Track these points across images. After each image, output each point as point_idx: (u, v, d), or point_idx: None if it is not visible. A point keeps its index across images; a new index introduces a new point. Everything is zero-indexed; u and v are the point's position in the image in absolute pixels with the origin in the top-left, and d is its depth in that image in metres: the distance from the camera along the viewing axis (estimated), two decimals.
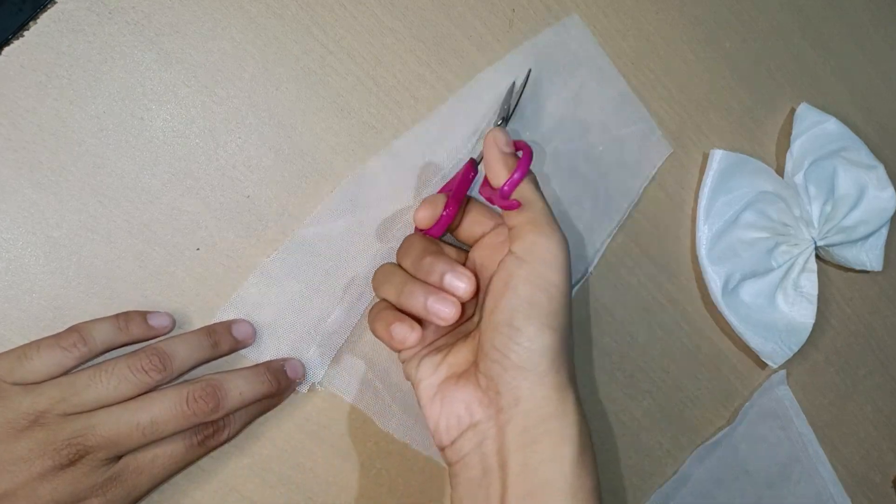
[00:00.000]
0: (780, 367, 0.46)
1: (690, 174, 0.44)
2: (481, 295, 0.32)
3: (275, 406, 0.33)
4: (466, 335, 0.32)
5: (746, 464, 0.46)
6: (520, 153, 0.31)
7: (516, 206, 0.30)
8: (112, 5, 0.31)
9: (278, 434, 0.34)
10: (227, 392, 0.30)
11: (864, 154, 0.47)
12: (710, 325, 0.45)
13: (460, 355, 0.31)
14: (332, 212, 0.34)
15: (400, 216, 0.36)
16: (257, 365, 0.32)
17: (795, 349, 0.45)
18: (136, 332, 0.30)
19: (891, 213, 0.46)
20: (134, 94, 0.31)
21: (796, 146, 0.46)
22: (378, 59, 0.35)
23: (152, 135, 0.32)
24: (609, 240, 0.41)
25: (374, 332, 0.31)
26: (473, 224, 0.34)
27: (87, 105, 0.31)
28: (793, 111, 0.48)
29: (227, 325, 0.32)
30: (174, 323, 0.32)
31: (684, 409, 0.44)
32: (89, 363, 0.29)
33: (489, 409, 0.28)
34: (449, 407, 0.29)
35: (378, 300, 0.33)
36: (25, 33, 0.30)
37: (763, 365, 0.46)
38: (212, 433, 0.30)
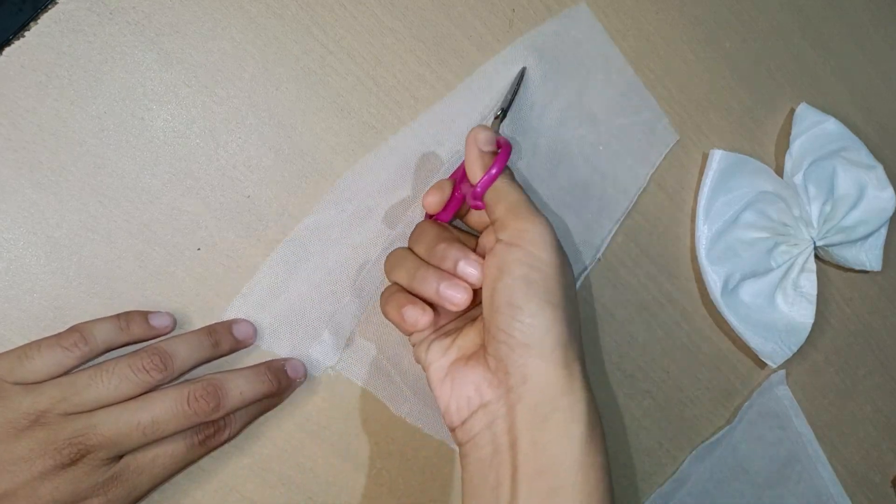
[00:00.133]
0: (780, 367, 0.46)
1: (690, 174, 0.44)
2: None
3: (275, 406, 0.33)
4: (474, 319, 0.32)
5: (746, 463, 0.46)
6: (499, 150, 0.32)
7: (481, 207, 0.31)
8: (112, 5, 0.31)
9: (278, 434, 0.34)
10: (228, 392, 0.30)
11: (863, 154, 0.47)
12: (709, 325, 0.45)
13: (469, 338, 0.31)
14: (340, 199, 0.35)
15: (409, 202, 0.36)
16: (258, 364, 0.32)
17: (795, 349, 0.45)
18: (136, 332, 0.30)
19: (890, 214, 0.46)
20: (134, 95, 0.31)
21: (796, 146, 0.46)
22: (378, 59, 0.35)
23: (153, 135, 0.32)
24: (617, 226, 0.41)
25: (385, 314, 0.32)
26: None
27: (87, 105, 0.31)
28: (792, 111, 0.48)
29: (228, 325, 0.32)
30: (175, 323, 0.32)
31: (684, 409, 0.44)
32: (90, 363, 0.29)
33: (498, 389, 0.29)
34: (459, 388, 0.30)
35: (390, 284, 0.33)
36: (26, 33, 0.30)
37: (762, 365, 0.46)
38: (213, 433, 0.30)
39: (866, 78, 0.51)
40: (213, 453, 0.32)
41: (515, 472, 0.27)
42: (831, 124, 0.47)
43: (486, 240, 0.34)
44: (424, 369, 0.32)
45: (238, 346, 0.32)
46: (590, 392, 0.29)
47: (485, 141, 0.32)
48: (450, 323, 0.33)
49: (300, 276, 0.34)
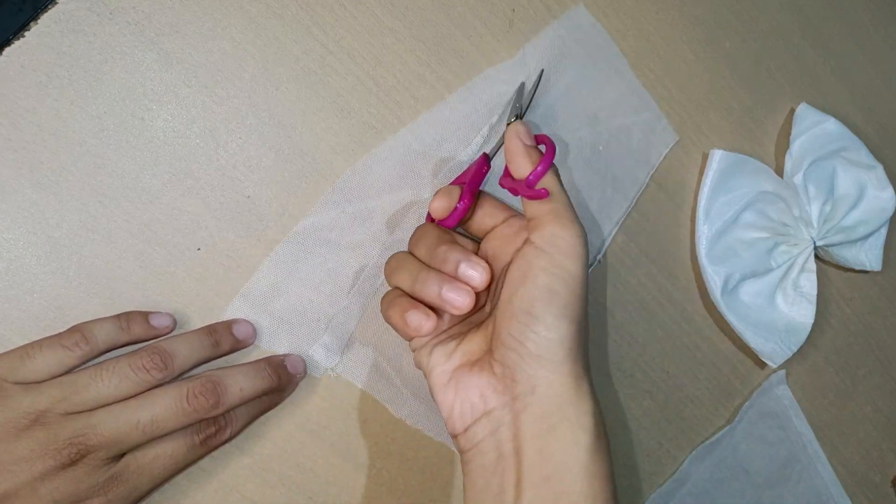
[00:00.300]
0: (780, 367, 0.47)
1: (690, 174, 0.44)
2: (494, 284, 0.32)
3: (276, 405, 0.33)
4: (479, 324, 0.32)
5: (746, 463, 0.46)
6: (541, 146, 0.32)
7: (544, 194, 0.30)
8: (112, 6, 0.31)
9: (278, 434, 0.34)
10: (227, 388, 0.30)
11: (863, 154, 0.47)
12: (709, 325, 0.45)
13: (474, 344, 0.31)
14: (340, 199, 0.35)
15: (410, 206, 0.36)
16: (257, 360, 0.32)
17: (795, 349, 0.45)
18: (137, 332, 0.30)
19: (890, 213, 0.46)
20: (134, 95, 0.31)
21: (796, 146, 0.46)
22: (378, 59, 0.35)
23: (153, 135, 0.32)
24: (617, 228, 0.41)
25: (387, 319, 0.31)
26: (485, 216, 0.34)
27: (87, 105, 0.31)
28: (792, 111, 0.48)
29: (228, 325, 0.32)
30: (175, 323, 0.32)
31: (684, 409, 0.44)
32: (91, 363, 0.29)
33: (504, 396, 0.28)
34: (463, 394, 0.29)
35: (390, 288, 0.33)
36: (26, 33, 0.30)
37: (762, 365, 0.46)
38: (213, 433, 0.30)
39: (866, 78, 0.51)
40: (213, 453, 0.32)
41: (520, 480, 0.27)
42: (831, 124, 0.47)
43: (488, 245, 0.34)
44: (426, 374, 0.31)
45: (238, 345, 0.32)
46: (596, 402, 0.28)
47: (528, 135, 0.31)
48: (452, 327, 0.33)
49: (300, 276, 0.34)
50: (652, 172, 0.42)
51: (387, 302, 0.32)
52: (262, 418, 0.33)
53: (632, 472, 0.43)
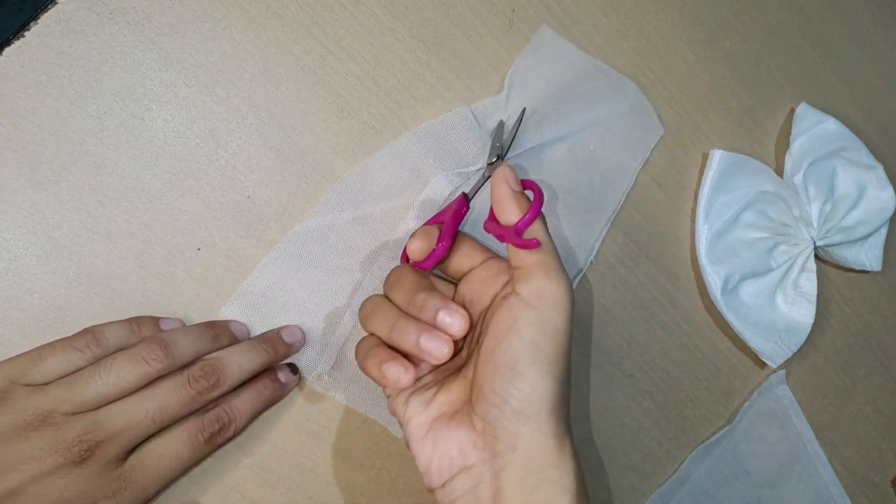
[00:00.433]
0: (780, 367, 0.46)
1: (690, 174, 0.44)
2: (473, 330, 0.31)
3: (278, 399, 0.33)
4: (456, 372, 0.31)
5: (746, 463, 0.46)
6: (528, 192, 0.31)
7: (536, 244, 0.29)
8: (112, 6, 0.31)
9: (278, 434, 0.34)
10: (226, 367, 0.30)
11: (863, 154, 0.47)
12: (709, 325, 0.45)
13: (452, 394, 0.30)
14: (334, 205, 0.34)
15: (407, 209, 0.36)
16: (251, 338, 0.32)
17: (795, 349, 0.45)
18: (147, 336, 0.30)
19: (890, 213, 0.46)
20: (134, 95, 0.31)
21: (796, 146, 0.46)
22: (378, 59, 0.35)
23: (153, 135, 0.32)
24: (608, 227, 0.41)
25: (363, 369, 0.30)
26: (463, 258, 0.33)
27: (87, 105, 0.31)
28: (792, 111, 0.48)
29: (226, 323, 0.32)
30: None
31: (684, 409, 0.44)
32: None
33: (484, 452, 0.28)
34: (442, 448, 0.29)
35: (366, 335, 0.32)
36: (26, 33, 0.30)
37: (762, 365, 0.46)
38: (217, 430, 0.30)
39: (866, 78, 0.51)
40: (214, 453, 0.32)
41: None
42: (831, 124, 0.47)
43: (465, 288, 0.33)
44: (402, 424, 0.30)
45: (235, 341, 0.32)
46: (578, 463, 0.28)
47: (515, 181, 0.31)
48: (428, 374, 0.32)
49: (295, 279, 0.34)
50: (639, 169, 0.42)
51: (363, 351, 0.30)
52: (262, 418, 0.33)
53: (632, 472, 0.43)
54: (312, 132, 0.34)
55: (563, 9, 0.40)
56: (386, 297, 0.32)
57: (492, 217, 0.32)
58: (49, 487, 0.26)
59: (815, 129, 0.46)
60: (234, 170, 0.33)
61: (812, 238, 0.45)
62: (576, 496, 0.27)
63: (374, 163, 0.35)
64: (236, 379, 0.30)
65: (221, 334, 0.31)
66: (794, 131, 0.47)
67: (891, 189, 0.46)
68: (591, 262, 0.41)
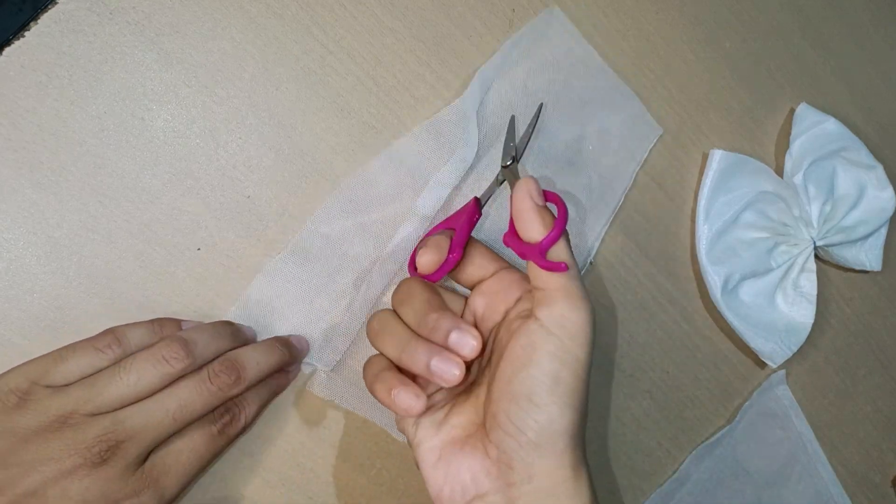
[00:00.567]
0: (780, 367, 0.46)
1: (690, 174, 0.44)
2: (484, 348, 0.30)
3: (282, 389, 0.33)
4: (468, 391, 0.30)
5: (746, 463, 0.46)
6: (551, 205, 0.30)
7: (564, 268, 0.27)
8: (112, 6, 0.31)
9: (278, 434, 0.34)
10: (245, 363, 0.29)
11: (863, 154, 0.47)
12: (709, 325, 0.45)
13: (464, 415, 0.29)
14: (335, 212, 0.34)
15: (406, 214, 0.35)
16: (267, 339, 0.32)
17: (795, 349, 0.45)
18: (167, 335, 0.30)
19: (890, 213, 0.46)
20: (134, 95, 0.31)
21: (796, 146, 0.46)
22: (378, 59, 0.35)
23: (153, 135, 0.32)
24: (607, 227, 0.41)
25: (372, 393, 0.29)
26: (474, 268, 0.32)
27: (87, 105, 0.31)
28: (792, 111, 0.48)
29: (239, 324, 0.32)
30: None
31: (684, 409, 0.44)
32: None
33: (498, 481, 0.27)
34: (454, 475, 0.28)
35: (375, 354, 0.31)
36: (26, 33, 0.30)
37: (762, 365, 0.46)
38: (229, 420, 0.30)
39: (866, 78, 0.51)
40: (229, 447, 0.32)
41: None
42: (831, 124, 0.47)
43: (476, 302, 0.32)
44: (412, 446, 0.30)
45: (249, 342, 0.32)
46: (593, 490, 0.27)
47: (539, 194, 0.29)
48: (438, 392, 0.31)
49: (295, 285, 0.34)
50: (638, 169, 0.42)
51: (372, 374, 0.29)
52: (262, 419, 0.33)
53: (632, 472, 0.43)
54: (312, 132, 0.34)
55: (563, 8, 0.40)
56: (395, 313, 0.31)
57: (512, 231, 0.30)
58: (69, 488, 0.25)
59: (815, 129, 0.46)
60: (234, 170, 0.33)
61: (812, 238, 0.45)
62: None
63: (372, 167, 0.35)
64: (255, 377, 0.30)
65: (238, 332, 0.31)
66: (794, 131, 0.47)
67: (891, 189, 0.46)
68: (591, 262, 0.41)
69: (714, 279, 0.42)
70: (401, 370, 0.29)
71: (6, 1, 0.29)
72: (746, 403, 0.46)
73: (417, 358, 0.28)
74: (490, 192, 0.36)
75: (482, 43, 0.38)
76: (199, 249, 0.32)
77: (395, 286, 0.32)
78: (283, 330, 0.34)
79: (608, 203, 0.41)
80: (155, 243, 0.32)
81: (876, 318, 0.51)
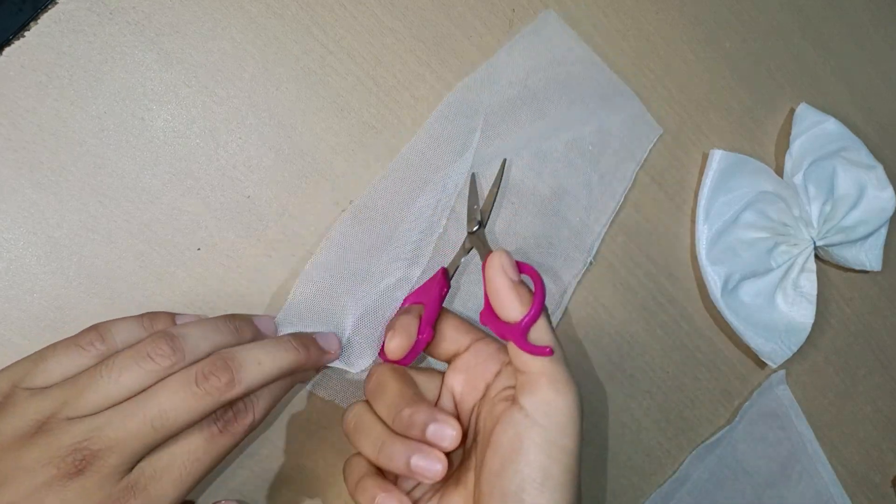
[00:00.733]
0: (780, 367, 0.46)
1: (690, 174, 0.44)
2: (469, 431, 0.30)
3: (300, 380, 0.31)
4: (456, 479, 0.29)
5: (746, 463, 0.46)
6: (526, 278, 0.28)
7: (549, 352, 0.26)
8: (112, 6, 0.31)
9: (278, 434, 0.34)
10: (242, 362, 0.26)
11: (863, 154, 0.47)
12: (709, 325, 0.45)
13: None
14: (361, 218, 0.34)
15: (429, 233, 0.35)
16: (281, 336, 0.29)
17: (795, 349, 0.45)
18: (157, 331, 0.27)
19: (890, 213, 0.46)
20: (134, 95, 0.31)
21: (796, 146, 0.46)
22: (378, 59, 0.35)
23: (153, 135, 0.32)
24: (607, 227, 0.41)
25: (355, 501, 0.28)
26: (447, 344, 0.31)
27: (87, 105, 0.31)
28: (792, 111, 0.48)
29: (249, 317, 0.30)
30: None
31: (684, 409, 0.44)
32: None
33: None
34: None
35: (355, 454, 0.30)
36: (26, 33, 0.30)
37: (762, 365, 0.46)
38: (233, 417, 0.27)
39: (866, 78, 0.51)
40: (237, 446, 0.31)
41: None
42: (831, 124, 0.47)
43: (453, 379, 0.31)
44: None
45: (260, 337, 0.29)
46: None
47: (513, 269, 0.28)
48: (420, 485, 0.30)
49: (325, 296, 0.33)
50: (637, 169, 0.42)
51: (353, 480, 0.28)
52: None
53: (632, 472, 0.43)
54: (312, 132, 0.34)
55: (563, 8, 0.40)
56: (369, 406, 0.29)
57: (488, 309, 0.29)
58: (46, 502, 0.23)
59: (815, 129, 0.46)
60: (234, 170, 0.33)
61: (812, 238, 0.45)
62: None
63: (392, 175, 0.35)
64: (256, 379, 0.26)
65: (243, 328, 0.28)
66: (794, 131, 0.47)
67: (891, 189, 0.46)
68: (592, 263, 0.41)
69: (714, 279, 0.42)
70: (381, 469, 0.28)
71: (6, 1, 0.29)
72: (746, 403, 0.46)
73: (395, 457, 0.27)
74: (458, 261, 0.34)
75: (482, 43, 0.38)
76: (199, 249, 0.32)
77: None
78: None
79: (608, 203, 0.41)
80: (155, 243, 0.32)
81: (876, 318, 0.51)
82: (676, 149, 0.44)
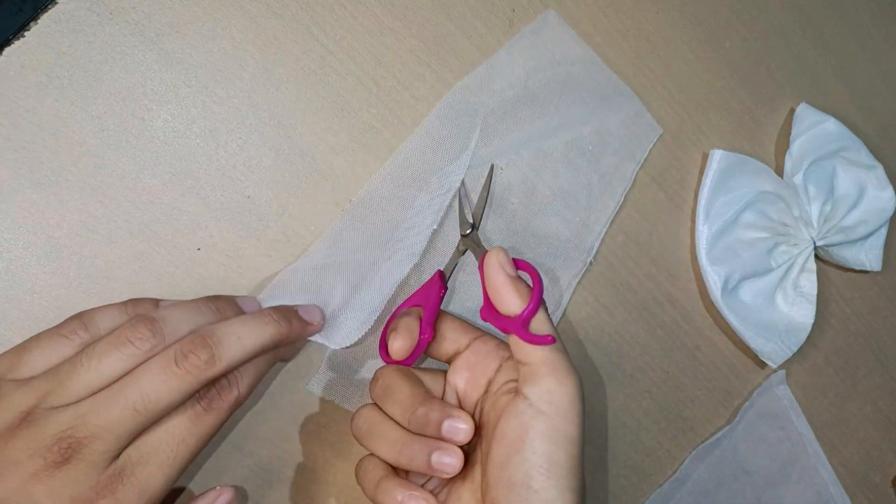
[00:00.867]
0: (780, 367, 0.47)
1: (690, 174, 0.44)
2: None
3: (286, 355, 0.31)
4: (463, 473, 0.29)
5: (746, 463, 0.46)
6: (523, 273, 0.29)
7: (550, 340, 0.27)
8: (112, 6, 0.31)
9: (278, 434, 0.34)
10: (221, 338, 0.25)
11: (863, 154, 0.47)
12: (709, 325, 0.45)
13: (462, 501, 0.29)
14: (361, 215, 0.34)
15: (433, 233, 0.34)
16: (260, 310, 0.29)
17: (795, 349, 0.45)
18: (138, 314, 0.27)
19: (890, 213, 0.46)
20: (134, 95, 0.31)
21: (796, 146, 0.46)
22: (378, 59, 0.35)
23: (153, 135, 0.32)
24: (607, 227, 0.41)
25: (374, 502, 0.29)
26: (447, 344, 0.32)
27: (87, 105, 0.31)
28: (792, 111, 0.48)
29: (232, 298, 0.30)
30: None
31: (684, 409, 0.44)
32: None
33: None
34: None
35: (367, 456, 0.30)
36: (26, 33, 0.30)
37: (762, 365, 0.46)
38: (216, 393, 0.26)
39: (866, 78, 0.51)
40: (213, 453, 0.32)
41: None
42: (831, 124, 0.47)
43: (455, 377, 0.31)
44: None
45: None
46: None
47: (510, 265, 0.29)
48: (430, 480, 0.30)
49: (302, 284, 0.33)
50: (637, 169, 0.42)
51: (371, 483, 0.29)
52: (262, 418, 0.33)
53: (632, 472, 0.43)
54: (312, 132, 0.34)
55: (563, 8, 0.40)
56: (378, 408, 0.30)
57: (488, 305, 0.30)
58: (35, 493, 0.23)
59: (815, 129, 0.46)
60: (234, 170, 0.33)
61: (812, 238, 0.45)
62: None
63: (378, 182, 0.35)
64: (237, 355, 0.26)
65: (225, 309, 0.28)
66: (794, 131, 0.47)
67: (891, 189, 0.46)
68: (591, 263, 0.41)
69: (714, 279, 0.42)
70: (394, 467, 0.29)
71: (6, 1, 0.29)
72: (746, 403, 0.46)
73: (416, 457, 0.27)
74: (453, 264, 0.35)
75: (482, 43, 0.38)
76: (199, 249, 0.32)
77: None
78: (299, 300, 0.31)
79: (608, 203, 0.41)
80: (155, 243, 0.32)
81: (876, 318, 0.51)
82: (676, 149, 0.44)
